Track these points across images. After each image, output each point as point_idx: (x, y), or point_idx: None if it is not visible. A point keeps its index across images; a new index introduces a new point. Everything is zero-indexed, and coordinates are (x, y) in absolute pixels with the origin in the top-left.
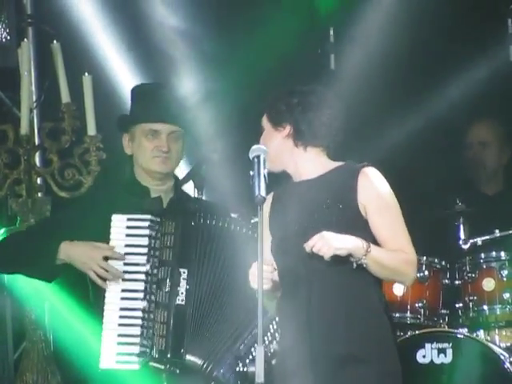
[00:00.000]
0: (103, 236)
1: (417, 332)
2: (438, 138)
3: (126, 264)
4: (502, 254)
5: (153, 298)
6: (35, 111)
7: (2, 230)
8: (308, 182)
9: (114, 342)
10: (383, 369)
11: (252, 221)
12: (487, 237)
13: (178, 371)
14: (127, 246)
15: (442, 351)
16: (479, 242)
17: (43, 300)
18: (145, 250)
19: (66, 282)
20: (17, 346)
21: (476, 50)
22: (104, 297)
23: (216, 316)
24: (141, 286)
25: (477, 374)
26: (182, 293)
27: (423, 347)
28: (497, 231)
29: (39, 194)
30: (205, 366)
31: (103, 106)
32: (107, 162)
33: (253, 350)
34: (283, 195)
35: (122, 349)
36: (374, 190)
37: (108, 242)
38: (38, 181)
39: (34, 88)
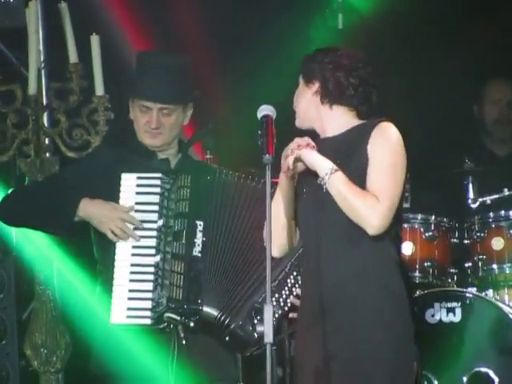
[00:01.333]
0: (112, 194)
1: (426, 291)
2: (448, 96)
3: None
4: (511, 212)
5: (167, 249)
6: (43, 71)
7: (11, 190)
8: (330, 140)
9: (124, 297)
10: (394, 332)
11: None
12: (496, 196)
13: (192, 324)
14: (138, 203)
15: (450, 310)
16: (488, 201)
17: (51, 260)
18: (156, 208)
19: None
20: (25, 307)
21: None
22: (114, 253)
23: (233, 269)
24: (152, 242)
25: (486, 332)
26: (199, 245)
27: (432, 306)
28: (506, 190)
29: (47, 154)
30: (222, 317)
31: (111, 66)
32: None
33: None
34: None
35: (133, 304)
36: (380, 143)
37: (117, 200)
38: (46, 141)
39: (41, 48)
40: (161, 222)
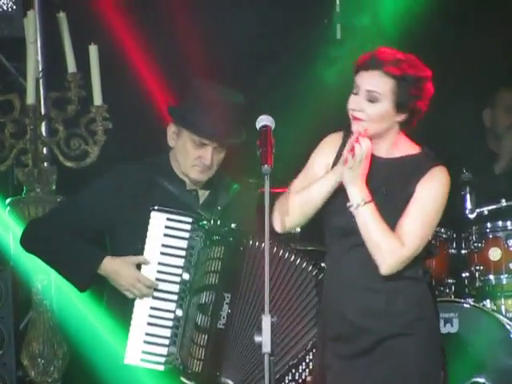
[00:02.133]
0: (141, 224)
1: None
2: (445, 107)
3: (160, 264)
4: (509, 223)
5: (191, 311)
6: (41, 81)
7: (8, 200)
8: (384, 161)
9: (141, 339)
10: (424, 340)
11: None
12: (493, 206)
13: None
14: (164, 246)
15: (448, 321)
16: (485, 212)
17: (49, 270)
18: (183, 253)
19: None
20: (23, 317)
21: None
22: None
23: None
24: (175, 288)
25: (483, 343)
26: (224, 317)
27: None
28: (503, 200)
29: (45, 164)
30: None
31: (109, 75)
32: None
33: (286, 379)
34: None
35: (148, 348)
36: (429, 188)
37: (145, 233)
38: (44, 150)
39: (39, 58)
40: (187, 277)
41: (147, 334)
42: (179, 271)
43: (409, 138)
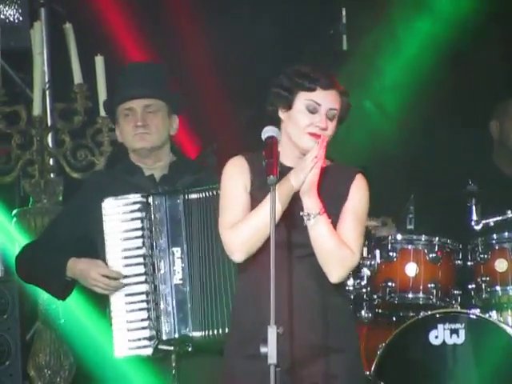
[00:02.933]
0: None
1: (429, 312)
2: (454, 115)
3: (125, 250)
4: None
5: (153, 280)
6: (48, 92)
7: (15, 211)
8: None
9: (124, 329)
10: (355, 356)
11: None
12: (499, 218)
13: (189, 349)
14: (122, 231)
15: (454, 332)
16: (491, 223)
17: None
18: (139, 233)
19: None
20: (29, 327)
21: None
22: None
23: (214, 289)
24: (141, 269)
25: (489, 354)
26: (179, 272)
27: (436, 328)
28: (509, 212)
29: (52, 175)
30: (209, 333)
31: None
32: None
33: None
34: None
35: (133, 335)
36: (361, 194)
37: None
38: (51, 161)
39: (46, 69)
40: (144, 250)
41: (128, 322)
42: (142, 251)
43: None
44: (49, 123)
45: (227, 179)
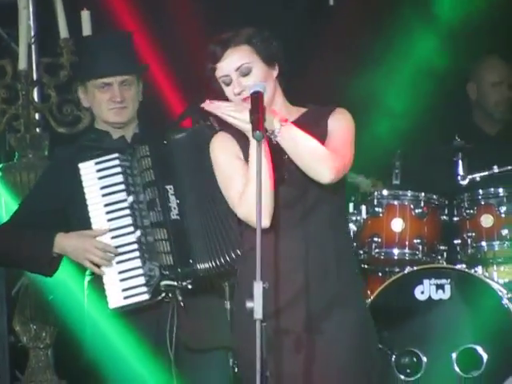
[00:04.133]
0: (81, 189)
1: (415, 268)
2: (436, 73)
3: (107, 205)
4: (501, 190)
5: (146, 222)
6: (33, 46)
7: (0, 165)
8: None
9: (116, 280)
10: (364, 314)
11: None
12: (486, 173)
13: (190, 286)
14: (103, 187)
15: (440, 287)
16: (477, 179)
17: None
18: (122, 187)
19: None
20: (15, 283)
21: None
22: None
23: (213, 219)
24: (128, 220)
25: (475, 309)
26: (175, 208)
27: (421, 283)
28: (495, 167)
29: (37, 130)
30: (216, 263)
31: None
32: None
33: None
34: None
35: (126, 284)
36: (339, 119)
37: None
38: (36, 116)
39: (31, 23)
40: (131, 199)
41: (120, 272)
42: (125, 204)
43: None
44: (34, 78)
45: (219, 153)
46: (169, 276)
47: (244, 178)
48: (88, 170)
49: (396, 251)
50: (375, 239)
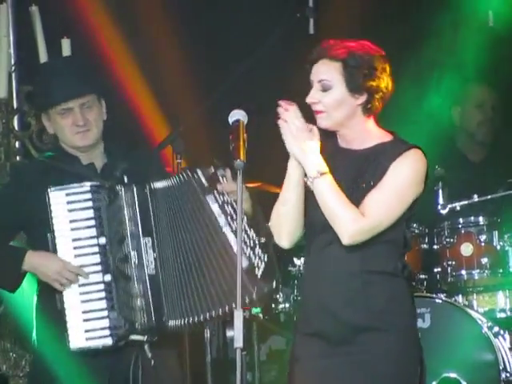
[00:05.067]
0: (44, 210)
1: None
2: (418, 101)
3: (75, 240)
4: (481, 219)
5: (120, 270)
6: (13, 74)
7: None
8: (354, 153)
9: (79, 320)
10: (397, 337)
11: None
12: (465, 202)
13: (155, 338)
14: (72, 221)
15: (420, 316)
16: (458, 207)
17: None
18: (92, 223)
19: None
20: None
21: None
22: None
23: (189, 274)
24: (96, 259)
25: (455, 338)
26: (151, 262)
27: None
28: (475, 196)
29: (17, 158)
30: (187, 321)
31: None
32: None
33: None
34: (328, 149)
35: (89, 325)
36: (399, 167)
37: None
38: (17, 144)
39: (12, 51)
40: (104, 240)
41: (84, 312)
42: (95, 241)
43: (381, 127)
44: (15, 106)
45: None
46: (140, 331)
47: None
48: (58, 200)
49: None
50: None
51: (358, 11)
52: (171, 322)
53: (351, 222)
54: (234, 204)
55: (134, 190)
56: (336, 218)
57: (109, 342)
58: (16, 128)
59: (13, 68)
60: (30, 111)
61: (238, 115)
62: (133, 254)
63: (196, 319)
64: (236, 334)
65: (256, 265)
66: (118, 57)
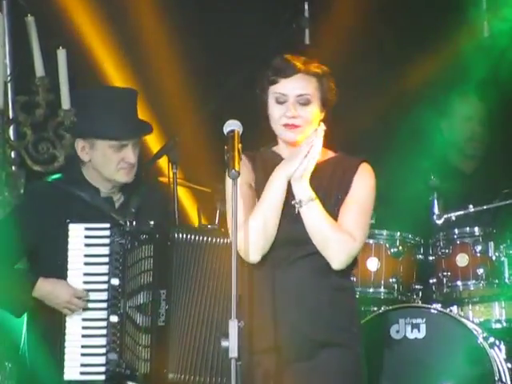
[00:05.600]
0: (59, 234)
1: (390, 307)
2: (413, 111)
3: (86, 274)
4: (476, 229)
5: (129, 314)
6: (9, 84)
7: None
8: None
9: (77, 352)
10: (358, 351)
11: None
12: (461, 212)
13: None
14: (87, 256)
15: (415, 326)
16: (453, 218)
17: None
18: (106, 260)
19: None
20: None
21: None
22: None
23: (197, 329)
24: (104, 296)
25: (450, 349)
26: (163, 314)
27: (397, 322)
28: (471, 206)
29: (13, 168)
30: (187, 379)
31: (77, 79)
32: None
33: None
34: (267, 163)
35: (86, 360)
36: (363, 184)
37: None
38: (12, 154)
39: (7, 61)
40: (117, 282)
41: (83, 347)
42: (105, 278)
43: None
44: (10, 116)
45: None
46: (139, 380)
47: (247, 207)
48: (77, 233)
49: (371, 290)
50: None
51: (353, 21)
52: (172, 375)
53: (343, 247)
54: None
55: (157, 239)
56: (328, 243)
57: (101, 377)
58: (12, 138)
59: (9, 78)
60: (25, 121)
61: (233, 125)
62: (147, 304)
63: (197, 379)
64: (231, 344)
65: None
66: (114, 66)
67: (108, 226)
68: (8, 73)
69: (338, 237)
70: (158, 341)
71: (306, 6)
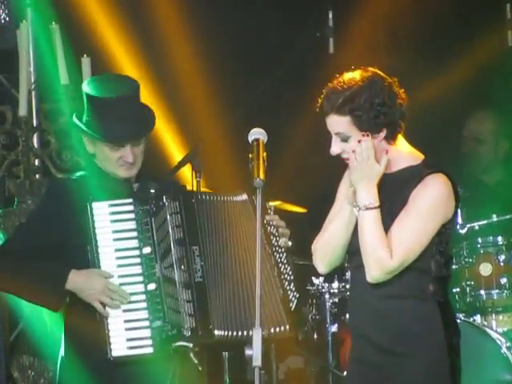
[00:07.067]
0: (87, 219)
1: None
2: (436, 123)
3: (117, 250)
4: (499, 238)
5: (165, 276)
6: (33, 92)
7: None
8: (384, 177)
9: (121, 328)
10: (420, 362)
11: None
12: (484, 221)
13: (197, 348)
14: (115, 232)
15: None
16: (476, 227)
17: None
18: (134, 234)
19: None
20: (13, 328)
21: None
22: None
23: (235, 285)
24: (138, 269)
25: (474, 358)
26: (199, 270)
27: None
28: (494, 216)
29: (37, 176)
30: (234, 334)
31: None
32: None
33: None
34: None
35: (132, 334)
36: (421, 194)
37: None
38: (36, 162)
39: (32, 69)
40: (148, 250)
41: (126, 321)
42: (137, 252)
43: (412, 145)
44: (34, 124)
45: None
46: (187, 337)
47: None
48: (101, 211)
49: None
50: None
51: (378, 34)
52: (218, 332)
53: (377, 265)
54: (277, 236)
55: (181, 198)
56: (366, 255)
57: (150, 350)
58: (36, 146)
59: (33, 86)
60: (49, 129)
61: (257, 134)
62: (181, 259)
63: (245, 334)
64: (255, 352)
65: (291, 299)
66: (138, 74)
67: (131, 200)
68: (32, 80)
69: (376, 254)
70: (199, 296)
71: (331, 15)
